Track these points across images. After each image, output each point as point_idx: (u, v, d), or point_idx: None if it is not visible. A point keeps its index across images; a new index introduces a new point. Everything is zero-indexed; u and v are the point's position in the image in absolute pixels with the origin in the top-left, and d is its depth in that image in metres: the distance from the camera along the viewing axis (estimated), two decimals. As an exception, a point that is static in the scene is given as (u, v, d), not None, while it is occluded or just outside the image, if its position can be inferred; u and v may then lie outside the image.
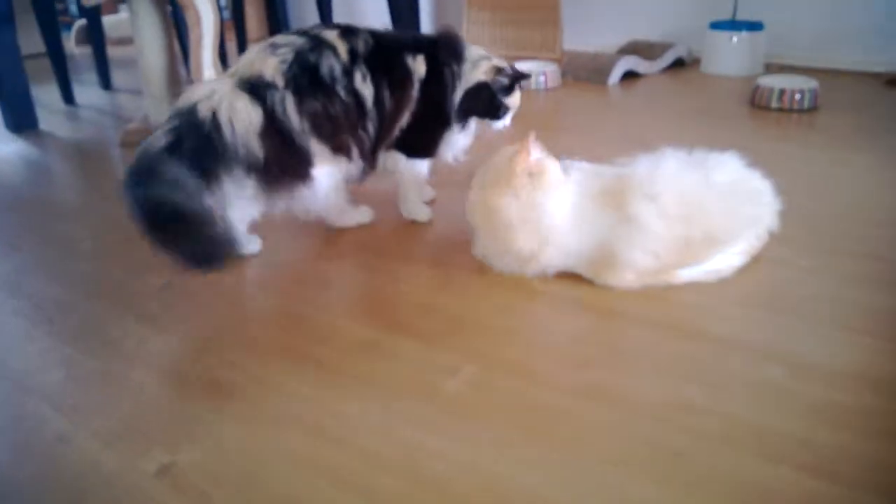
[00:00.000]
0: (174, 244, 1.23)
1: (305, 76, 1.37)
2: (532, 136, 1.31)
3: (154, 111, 2.33)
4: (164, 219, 1.23)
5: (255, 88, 1.35)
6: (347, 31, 1.45)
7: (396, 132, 1.53)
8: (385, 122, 1.49)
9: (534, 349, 1.16)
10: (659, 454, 0.90)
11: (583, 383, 1.05)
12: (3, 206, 1.96)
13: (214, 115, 1.32)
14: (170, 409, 1.05)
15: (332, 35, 1.43)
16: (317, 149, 1.41)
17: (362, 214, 1.64)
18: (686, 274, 1.29)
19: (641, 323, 1.20)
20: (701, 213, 1.27)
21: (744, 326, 1.18)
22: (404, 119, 1.52)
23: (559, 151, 1.38)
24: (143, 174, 1.27)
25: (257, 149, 1.33)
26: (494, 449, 0.92)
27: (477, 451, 0.92)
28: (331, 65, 1.39)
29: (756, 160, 1.38)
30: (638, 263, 1.26)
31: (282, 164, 1.37)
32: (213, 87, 1.37)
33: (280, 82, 1.35)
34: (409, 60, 1.50)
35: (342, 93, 1.40)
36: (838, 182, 1.77)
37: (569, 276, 1.34)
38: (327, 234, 1.61)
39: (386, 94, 1.46)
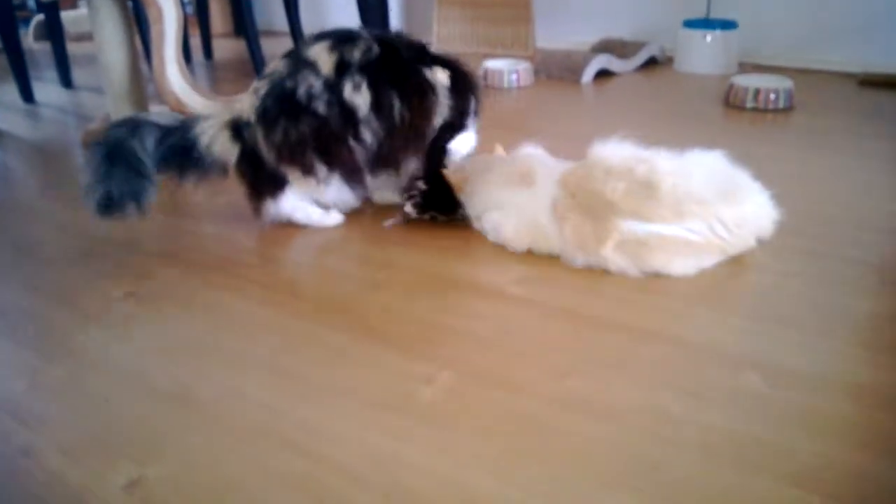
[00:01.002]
0: (108, 176, 1.37)
1: (275, 107, 1.42)
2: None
3: (115, 110, 2.27)
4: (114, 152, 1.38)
5: (237, 126, 1.47)
6: (342, 40, 1.44)
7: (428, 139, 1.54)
8: (402, 130, 1.48)
9: (510, 356, 1.14)
10: (636, 465, 0.89)
11: (561, 392, 1.03)
12: (-40, 209, 1.90)
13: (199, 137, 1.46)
14: (137, 420, 1.02)
15: (317, 49, 1.43)
16: (288, 171, 1.47)
17: (333, 218, 1.61)
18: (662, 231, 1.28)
19: (618, 329, 1.19)
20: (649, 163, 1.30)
21: (722, 333, 1.17)
22: (434, 126, 1.53)
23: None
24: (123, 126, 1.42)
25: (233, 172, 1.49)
26: (473, 461, 0.90)
27: (456, 463, 0.90)
28: (308, 85, 1.40)
29: (732, 160, 1.38)
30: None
31: (254, 186, 1.51)
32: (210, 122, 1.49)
33: (252, 118, 1.45)
34: (428, 73, 1.50)
35: (322, 108, 1.40)
36: (816, 183, 1.78)
37: (546, 281, 1.33)
38: (299, 239, 1.58)
39: (396, 101, 1.45)
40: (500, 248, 1.45)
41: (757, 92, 2.41)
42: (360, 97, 1.42)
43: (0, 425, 1.01)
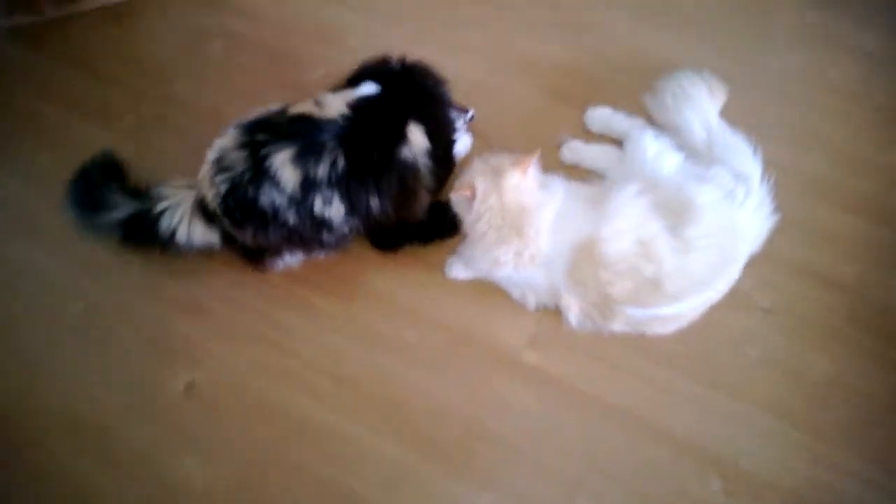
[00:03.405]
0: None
1: (240, 211, 1.36)
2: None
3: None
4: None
5: (207, 212, 1.42)
6: (306, 151, 1.31)
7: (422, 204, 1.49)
8: (388, 218, 1.43)
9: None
10: None
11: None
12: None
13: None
14: None
15: (280, 160, 1.31)
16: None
17: None
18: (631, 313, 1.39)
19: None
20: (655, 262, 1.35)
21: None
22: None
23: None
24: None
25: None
26: None
27: None
28: (272, 200, 1.33)
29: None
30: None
31: (249, 257, 1.51)
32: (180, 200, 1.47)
33: (219, 212, 1.39)
34: (405, 152, 1.39)
35: (292, 220, 1.36)
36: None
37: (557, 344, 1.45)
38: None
39: (374, 201, 1.38)
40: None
41: None
42: (331, 210, 1.36)
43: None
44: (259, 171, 1.31)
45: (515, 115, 1.73)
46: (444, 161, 1.50)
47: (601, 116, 1.67)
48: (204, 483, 1.39)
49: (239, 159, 1.33)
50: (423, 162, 1.41)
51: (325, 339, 1.50)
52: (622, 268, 1.34)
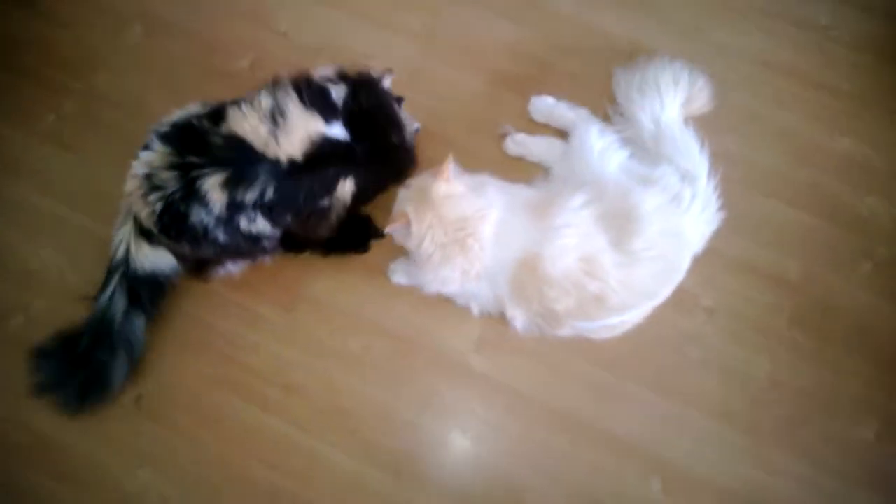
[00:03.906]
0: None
1: (174, 228, 1.35)
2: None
3: None
4: None
5: (147, 234, 1.40)
6: (238, 178, 1.29)
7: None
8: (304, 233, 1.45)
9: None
10: None
11: None
12: None
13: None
14: None
15: (211, 183, 1.28)
16: None
17: None
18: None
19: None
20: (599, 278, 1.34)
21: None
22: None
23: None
24: None
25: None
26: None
27: None
28: (201, 218, 1.32)
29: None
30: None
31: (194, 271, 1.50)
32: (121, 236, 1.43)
33: (156, 230, 1.36)
34: (326, 201, 1.39)
35: (222, 237, 1.35)
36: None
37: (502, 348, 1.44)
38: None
39: (293, 221, 1.39)
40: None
41: None
42: (257, 225, 1.35)
43: None
44: (190, 192, 1.29)
45: (457, 103, 1.67)
46: (370, 194, 1.50)
47: (544, 106, 1.61)
48: (159, 494, 1.41)
49: (170, 178, 1.29)
50: (342, 203, 1.40)
51: (271, 348, 1.50)
52: (566, 285, 1.33)
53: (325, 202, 1.37)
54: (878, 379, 1.44)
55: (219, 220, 1.31)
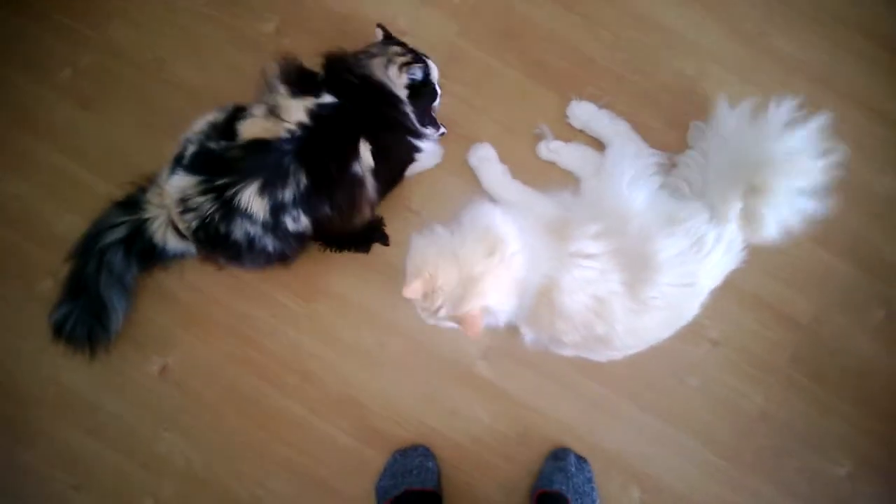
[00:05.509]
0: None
1: (212, 245, 1.39)
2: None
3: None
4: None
5: (177, 228, 1.44)
6: (272, 179, 1.31)
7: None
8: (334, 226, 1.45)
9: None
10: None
11: None
12: None
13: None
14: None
15: (248, 195, 1.30)
16: None
17: None
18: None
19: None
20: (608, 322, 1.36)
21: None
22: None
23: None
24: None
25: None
26: None
27: None
28: (246, 231, 1.34)
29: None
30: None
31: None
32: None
33: (192, 241, 1.41)
34: (357, 167, 1.39)
35: (270, 246, 1.38)
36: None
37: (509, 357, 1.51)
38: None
39: (328, 211, 1.40)
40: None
41: None
42: (300, 224, 1.37)
43: None
44: (229, 209, 1.31)
45: (490, 95, 1.60)
46: (388, 182, 1.50)
47: (584, 113, 1.54)
48: (184, 455, 1.55)
49: (205, 202, 1.32)
50: (369, 179, 1.41)
51: (290, 335, 1.56)
52: (576, 322, 1.35)
53: (356, 168, 1.37)
54: (863, 424, 1.51)
55: (265, 226, 1.33)
